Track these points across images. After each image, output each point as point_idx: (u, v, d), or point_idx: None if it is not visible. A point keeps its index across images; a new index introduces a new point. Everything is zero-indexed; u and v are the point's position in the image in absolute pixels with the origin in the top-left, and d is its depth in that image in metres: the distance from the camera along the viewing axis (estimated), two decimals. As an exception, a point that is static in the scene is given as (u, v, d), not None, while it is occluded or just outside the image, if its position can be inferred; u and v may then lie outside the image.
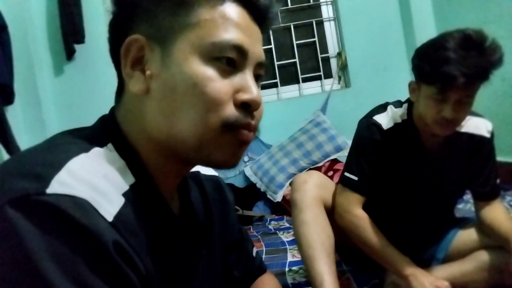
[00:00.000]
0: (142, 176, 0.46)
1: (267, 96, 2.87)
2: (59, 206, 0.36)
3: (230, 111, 0.44)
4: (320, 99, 2.73)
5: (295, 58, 2.92)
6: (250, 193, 2.49)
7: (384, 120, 1.20)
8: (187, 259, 0.52)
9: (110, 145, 0.46)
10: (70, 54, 2.51)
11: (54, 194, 0.36)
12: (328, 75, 2.96)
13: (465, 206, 1.93)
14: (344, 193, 1.23)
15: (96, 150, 0.44)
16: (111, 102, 0.54)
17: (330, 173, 2.32)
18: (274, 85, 2.90)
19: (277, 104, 2.80)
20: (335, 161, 2.42)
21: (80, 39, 2.46)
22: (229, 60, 0.45)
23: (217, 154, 0.45)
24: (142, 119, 0.47)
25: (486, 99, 1.61)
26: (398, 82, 2.78)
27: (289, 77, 2.95)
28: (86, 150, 0.43)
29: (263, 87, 2.88)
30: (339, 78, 2.95)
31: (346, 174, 1.23)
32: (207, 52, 0.44)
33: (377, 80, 2.79)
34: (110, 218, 0.39)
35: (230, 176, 2.52)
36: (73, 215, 0.36)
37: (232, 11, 0.46)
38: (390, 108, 1.22)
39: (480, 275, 1.20)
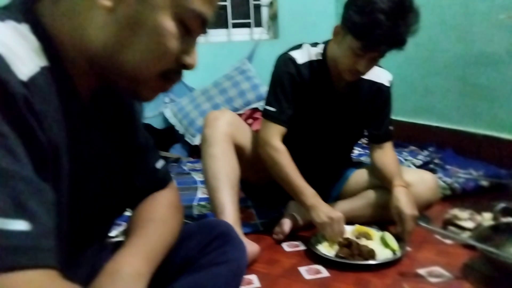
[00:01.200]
0: (57, 63, 0.46)
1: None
2: None
3: (171, 65, 0.50)
4: (248, 47, 2.72)
5: (225, 0, 2.84)
6: (168, 135, 2.46)
7: (299, 55, 1.27)
8: (90, 139, 0.54)
9: (26, 26, 0.44)
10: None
11: None
12: (258, 23, 2.94)
13: (367, 159, 2.10)
14: (265, 126, 1.29)
15: (12, 23, 0.43)
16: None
17: (250, 121, 2.37)
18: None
19: (204, 47, 2.70)
20: (256, 110, 2.46)
21: None
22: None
23: (142, 92, 0.51)
24: (84, 26, 0.46)
25: (399, 63, 1.72)
26: (325, 39, 2.87)
27: (219, 21, 2.88)
28: (2, 19, 0.42)
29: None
30: (269, 28, 2.95)
31: (266, 107, 1.29)
32: (182, 13, 0.47)
33: (305, 35, 2.77)
34: (23, 78, 0.38)
35: (149, 117, 2.45)
36: None
37: None
38: (306, 46, 1.30)
39: (366, 210, 1.36)
